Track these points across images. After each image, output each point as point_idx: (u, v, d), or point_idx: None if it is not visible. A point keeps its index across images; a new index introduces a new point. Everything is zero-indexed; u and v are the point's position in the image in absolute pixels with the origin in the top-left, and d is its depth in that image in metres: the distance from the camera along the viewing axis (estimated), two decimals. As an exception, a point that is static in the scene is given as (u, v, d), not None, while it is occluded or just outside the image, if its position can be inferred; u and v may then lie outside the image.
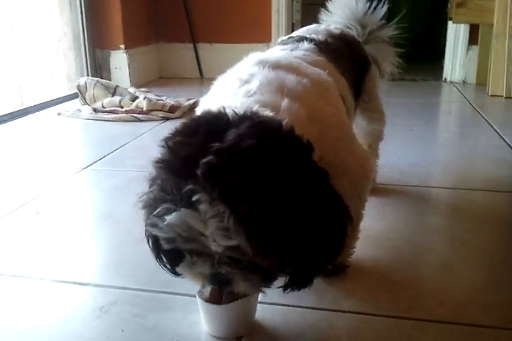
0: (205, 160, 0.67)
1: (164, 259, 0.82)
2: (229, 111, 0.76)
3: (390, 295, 0.98)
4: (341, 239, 0.78)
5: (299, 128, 0.77)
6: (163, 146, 0.74)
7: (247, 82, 0.90)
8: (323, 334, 0.87)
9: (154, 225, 0.71)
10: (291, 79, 0.92)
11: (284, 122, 0.77)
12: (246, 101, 0.84)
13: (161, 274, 1.00)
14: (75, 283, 1.03)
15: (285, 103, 0.85)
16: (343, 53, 1.23)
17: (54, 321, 0.91)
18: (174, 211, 0.68)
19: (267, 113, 0.80)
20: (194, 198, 0.67)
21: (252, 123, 0.73)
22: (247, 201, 0.67)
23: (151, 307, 0.95)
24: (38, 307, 0.96)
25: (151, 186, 0.75)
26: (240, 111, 0.77)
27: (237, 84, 0.90)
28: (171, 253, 0.78)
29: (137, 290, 1.00)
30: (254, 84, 0.88)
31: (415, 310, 0.93)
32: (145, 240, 0.80)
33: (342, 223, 0.78)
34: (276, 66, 0.94)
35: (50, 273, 1.07)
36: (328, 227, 0.75)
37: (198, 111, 0.93)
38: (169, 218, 0.68)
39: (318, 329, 0.89)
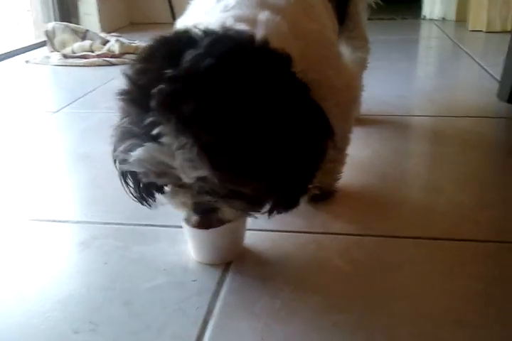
0: (156, 89, 0.62)
1: (139, 192, 0.79)
2: (192, 29, 0.69)
3: (380, 216, 0.96)
4: (322, 153, 0.74)
5: (280, 43, 0.71)
6: (125, 74, 0.68)
7: None
8: (313, 255, 0.85)
9: (124, 161, 0.68)
10: None
11: (259, 35, 0.71)
12: (222, 17, 0.78)
13: (143, 208, 0.96)
14: (54, 220, 0.99)
15: (263, 16, 0.79)
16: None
17: (35, 258, 0.87)
18: (139, 146, 0.64)
19: (241, 27, 0.74)
20: (155, 131, 0.62)
21: (214, 39, 0.67)
22: (207, 127, 0.62)
23: (134, 240, 0.91)
24: (18, 246, 0.92)
25: (120, 117, 0.70)
26: (211, 27, 0.71)
27: (215, 0, 0.84)
28: (146, 185, 0.75)
29: (119, 224, 0.96)
30: None
31: (407, 229, 0.91)
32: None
33: (321, 136, 0.73)
34: None
35: (29, 212, 1.02)
36: (306, 141, 0.70)
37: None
38: (135, 153, 0.65)
39: (308, 251, 0.86)
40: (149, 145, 0.64)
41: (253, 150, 0.64)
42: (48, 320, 0.72)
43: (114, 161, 0.75)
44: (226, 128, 0.62)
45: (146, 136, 0.64)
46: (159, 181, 0.70)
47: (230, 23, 0.75)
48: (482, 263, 0.82)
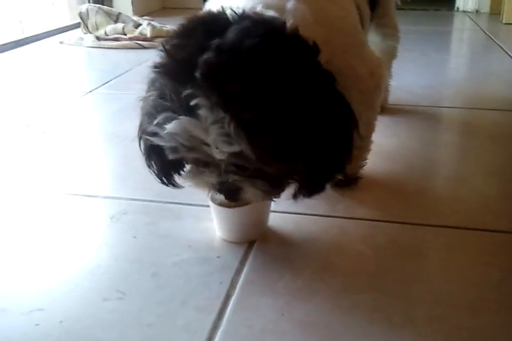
0: (203, 58, 0.63)
1: (161, 171, 0.81)
2: (228, 11, 0.71)
3: (404, 203, 0.97)
4: (349, 142, 0.75)
5: (304, 32, 0.72)
6: (161, 50, 0.70)
7: None
8: (336, 239, 0.87)
9: (155, 134, 0.68)
10: None
11: (289, 23, 0.72)
12: (249, 2, 0.79)
13: (171, 187, 0.99)
14: (84, 195, 1.02)
15: (290, 4, 0.80)
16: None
17: (68, 230, 0.91)
18: (174, 119, 0.65)
19: (271, 13, 0.76)
20: (193, 103, 0.63)
21: (254, 21, 0.69)
22: (248, 105, 0.63)
23: (161, 216, 0.94)
24: (52, 218, 0.95)
25: (148, 90, 0.72)
26: (241, 10, 0.72)
27: None
28: (170, 163, 0.76)
29: (147, 200, 0.99)
30: None
31: (429, 217, 0.92)
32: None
33: (349, 126, 0.75)
34: None
35: (63, 187, 1.06)
36: (334, 130, 0.72)
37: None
38: (169, 127, 0.65)
39: (331, 235, 0.88)
40: (184, 118, 0.64)
41: (286, 132, 0.66)
42: (78, 288, 0.76)
43: (140, 137, 0.77)
44: (264, 107, 0.64)
45: (181, 108, 0.64)
46: (188, 155, 0.70)
47: (259, 9, 0.76)
48: (501, 253, 0.83)
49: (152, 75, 0.71)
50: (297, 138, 0.68)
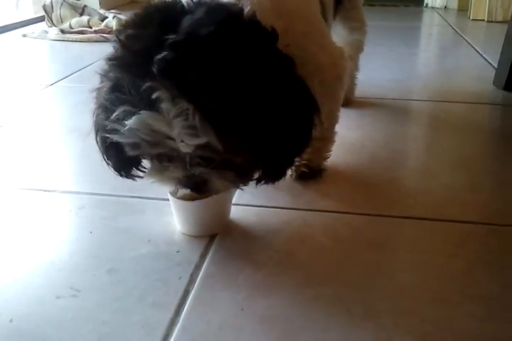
0: (159, 56, 0.61)
1: (117, 165, 0.78)
2: None
3: (367, 195, 0.96)
4: (309, 126, 0.74)
5: (263, 19, 0.70)
6: (114, 40, 0.67)
7: None
8: (298, 231, 0.85)
9: (114, 131, 0.65)
10: None
11: (246, 9, 0.70)
12: None
13: (131, 180, 0.97)
14: (41, 190, 0.99)
15: None
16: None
17: (22, 225, 0.88)
18: (134, 113, 0.62)
19: (227, 1, 0.74)
20: (154, 96, 0.61)
21: (209, 8, 0.67)
22: (210, 95, 0.61)
23: (121, 211, 0.91)
24: (6, 213, 0.92)
25: (101, 81, 0.69)
26: None
27: None
28: (128, 158, 0.73)
29: (106, 195, 0.96)
30: None
31: (393, 209, 0.91)
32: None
33: (308, 110, 0.74)
34: None
35: (18, 181, 1.02)
36: (295, 115, 0.71)
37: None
38: (130, 122, 0.62)
39: (293, 227, 0.86)
40: (146, 112, 0.62)
41: (249, 120, 0.64)
42: (30, 285, 0.73)
43: (96, 131, 0.74)
44: (226, 95, 0.62)
45: (141, 102, 0.62)
46: (151, 151, 0.68)
47: None
48: (466, 244, 0.82)
49: (106, 66, 0.68)
50: (261, 125, 0.66)
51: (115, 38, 0.67)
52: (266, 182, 0.76)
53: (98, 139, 0.74)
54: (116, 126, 0.65)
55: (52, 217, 0.90)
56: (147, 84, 0.61)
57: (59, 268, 0.76)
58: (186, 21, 0.64)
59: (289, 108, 0.69)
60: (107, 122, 0.66)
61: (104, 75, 0.68)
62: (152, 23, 0.66)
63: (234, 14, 0.68)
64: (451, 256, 0.79)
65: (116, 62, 0.66)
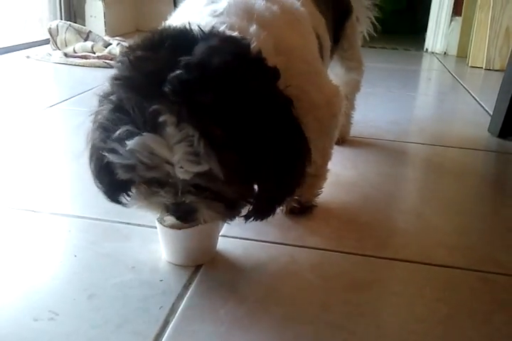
0: (173, 74, 0.61)
1: (106, 187, 0.77)
2: (194, 27, 0.70)
3: (356, 234, 0.95)
4: (302, 168, 0.75)
5: (265, 56, 0.72)
6: (120, 61, 0.67)
7: (213, 1, 0.84)
8: (285, 267, 0.84)
9: (113, 150, 0.64)
10: (260, 4, 0.85)
11: (253, 45, 0.71)
12: (211, 21, 0.78)
13: (119, 205, 0.96)
14: (29, 210, 0.98)
15: (253, 29, 0.79)
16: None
17: (5, 245, 0.87)
18: (136, 134, 0.61)
19: (235, 34, 0.75)
20: (160, 120, 0.60)
21: (221, 39, 0.68)
22: (218, 122, 0.61)
23: (107, 235, 0.90)
24: (-13, 230, 0.91)
25: (101, 103, 0.68)
26: (207, 28, 0.71)
27: (204, 3, 0.84)
28: (119, 182, 0.72)
29: (93, 219, 0.96)
30: (222, 5, 0.82)
31: (382, 250, 0.91)
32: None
33: (302, 152, 0.75)
34: None
35: (5, 200, 1.01)
36: (289, 155, 0.72)
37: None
38: (130, 143, 0.61)
39: (280, 262, 0.86)
40: (148, 134, 0.61)
41: (251, 152, 0.65)
42: (8, 307, 0.71)
43: (91, 153, 0.73)
44: (234, 125, 0.62)
45: (145, 124, 0.61)
46: (146, 174, 0.67)
47: (222, 29, 0.75)
48: (451, 289, 0.82)
49: (108, 88, 0.68)
50: (260, 159, 0.67)
51: (122, 58, 0.67)
52: (255, 219, 0.76)
53: (92, 161, 0.74)
54: (115, 145, 0.64)
55: (38, 239, 0.89)
56: (154, 107, 0.60)
57: (39, 290, 0.75)
58: (200, 47, 0.65)
59: (282, 148, 0.70)
60: (106, 141, 0.65)
61: (104, 98, 0.68)
62: (164, 46, 0.66)
63: (243, 48, 0.70)
64: (436, 300, 0.79)
65: (122, 82, 0.65)
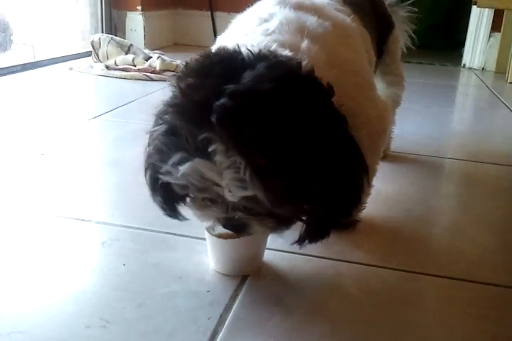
0: (219, 103, 0.62)
1: (167, 203, 0.79)
2: (244, 50, 0.71)
3: (401, 250, 0.95)
4: (359, 189, 0.75)
5: (318, 72, 0.72)
6: (175, 87, 0.69)
7: (266, 20, 0.86)
8: (330, 281, 0.85)
9: (168, 173, 0.68)
10: (312, 20, 0.87)
11: (304, 63, 0.72)
12: (264, 40, 0.79)
13: (164, 216, 0.98)
14: (77, 219, 1.00)
15: (305, 44, 0.81)
16: (368, 8, 1.19)
17: (56, 253, 0.89)
18: (188, 160, 0.64)
19: (286, 53, 0.76)
20: (210, 149, 0.63)
21: (269, 64, 0.68)
22: (263, 152, 0.63)
23: (154, 246, 0.92)
24: (41, 240, 0.93)
25: (157, 123, 0.70)
26: (256, 49, 0.72)
27: (256, 22, 0.86)
28: (176, 196, 0.75)
29: (140, 229, 0.97)
30: (274, 23, 0.84)
31: (426, 266, 0.90)
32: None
33: (360, 172, 0.74)
34: (298, 6, 0.90)
35: (54, 208, 1.04)
36: (346, 176, 0.72)
37: (213, 49, 0.89)
38: (183, 168, 0.65)
39: (325, 276, 0.86)
40: (198, 160, 0.64)
41: (300, 177, 0.66)
42: (61, 313, 0.73)
43: (146, 169, 0.75)
44: (280, 153, 0.63)
45: (196, 151, 0.64)
46: (197, 195, 0.70)
47: (274, 48, 0.76)
48: (498, 308, 0.81)
49: (163, 111, 0.70)
50: (310, 183, 0.67)
51: (175, 84, 0.69)
52: (309, 241, 0.76)
53: (148, 177, 0.76)
54: (170, 169, 0.67)
55: (86, 247, 0.91)
56: (204, 135, 0.63)
57: (90, 297, 0.77)
58: (247, 76, 0.65)
59: (338, 168, 0.70)
60: (162, 164, 0.68)
61: (160, 118, 0.70)
62: (213, 73, 0.67)
63: (292, 70, 0.69)
64: (483, 318, 0.78)
65: (175, 109, 0.67)
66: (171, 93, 0.70)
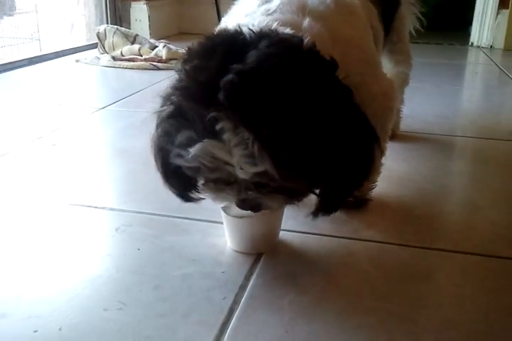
0: (226, 79, 0.63)
1: (179, 187, 0.79)
2: (245, 30, 0.71)
3: (414, 227, 0.95)
4: (370, 159, 0.75)
5: (321, 48, 0.72)
6: (180, 70, 0.70)
7: (267, 1, 0.86)
8: (343, 259, 0.85)
9: (178, 155, 0.68)
10: None
11: (306, 39, 0.72)
12: (265, 19, 0.80)
13: (177, 201, 0.98)
14: (90, 206, 1.01)
15: (306, 22, 0.81)
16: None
17: (71, 240, 0.90)
18: (197, 141, 0.65)
19: (287, 31, 0.76)
20: (217, 127, 0.63)
21: (271, 42, 0.69)
22: (271, 125, 0.63)
23: (167, 230, 0.93)
24: (56, 227, 0.94)
25: (164, 104, 0.71)
26: (258, 29, 0.72)
27: (257, 3, 0.86)
28: (188, 179, 0.75)
29: (153, 214, 0.98)
30: (275, 3, 0.84)
31: (440, 242, 0.90)
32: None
33: (370, 142, 0.74)
34: None
35: (67, 197, 1.05)
36: (355, 146, 0.72)
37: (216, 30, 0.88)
38: (193, 149, 0.65)
39: (337, 254, 0.86)
40: (209, 141, 0.64)
41: (309, 150, 0.66)
42: (78, 297, 0.74)
43: (156, 152, 0.76)
44: (288, 127, 0.64)
45: (204, 131, 0.64)
46: (209, 176, 0.70)
47: (275, 26, 0.76)
48: (513, 280, 0.81)
49: (169, 92, 0.70)
50: (319, 155, 0.67)
51: (181, 67, 0.69)
52: (323, 214, 0.77)
53: (159, 162, 0.76)
54: (180, 151, 0.67)
55: (101, 233, 0.92)
56: (211, 114, 0.63)
57: (106, 281, 0.78)
58: (251, 55, 0.66)
59: (348, 138, 0.70)
60: (170, 147, 0.69)
61: (166, 99, 0.70)
62: (217, 54, 0.67)
63: (294, 46, 0.70)
64: (497, 291, 0.78)
65: (181, 91, 0.68)
66: (177, 76, 0.70)
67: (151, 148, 0.76)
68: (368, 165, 0.75)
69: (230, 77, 0.63)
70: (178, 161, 0.69)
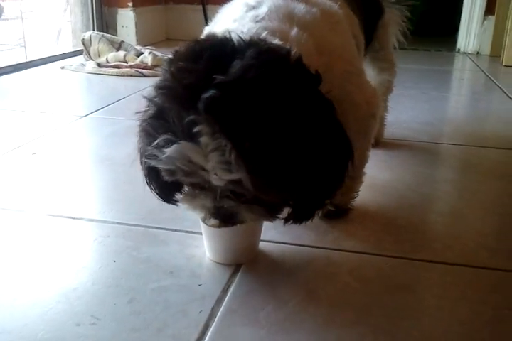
0: (206, 94, 0.62)
1: (158, 188, 0.79)
2: (234, 36, 0.71)
3: (395, 237, 0.94)
4: (343, 171, 0.75)
5: (307, 60, 0.72)
6: (165, 70, 0.69)
7: (254, 7, 0.85)
8: (323, 270, 0.84)
9: (153, 156, 0.68)
10: (300, 7, 0.87)
11: (293, 51, 0.72)
12: (253, 27, 0.79)
13: (157, 211, 0.97)
14: (68, 217, 1.00)
15: (294, 32, 0.81)
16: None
17: (46, 252, 0.88)
18: (174, 142, 0.64)
19: (276, 41, 0.76)
20: (195, 130, 0.63)
21: (258, 52, 0.68)
22: (249, 135, 0.63)
23: (145, 241, 0.91)
24: (32, 238, 0.92)
25: (148, 106, 0.71)
26: (247, 36, 0.72)
27: (243, 9, 0.86)
28: (170, 183, 0.74)
29: (131, 225, 0.96)
30: (262, 10, 0.84)
31: (421, 252, 0.90)
32: (142, 179, 0.78)
33: (344, 156, 0.74)
34: None
35: (45, 207, 1.03)
36: (330, 160, 0.72)
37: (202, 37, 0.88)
38: (168, 150, 0.65)
39: (318, 265, 0.85)
40: (185, 143, 0.64)
41: (285, 161, 0.65)
42: (51, 311, 0.72)
43: (141, 155, 0.75)
44: (265, 137, 0.63)
45: (182, 133, 0.64)
46: (185, 180, 0.70)
47: (264, 35, 0.76)
48: (495, 292, 0.80)
49: (153, 93, 0.70)
50: (294, 168, 0.67)
51: (165, 67, 0.69)
52: (294, 222, 0.77)
53: (142, 164, 0.76)
54: (156, 152, 0.67)
55: (78, 245, 0.90)
56: (191, 117, 0.63)
57: (80, 295, 0.76)
58: (236, 64, 0.65)
59: (324, 152, 0.70)
60: (148, 147, 0.68)
61: (150, 100, 0.70)
62: (204, 57, 0.67)
63: (281, 58, 0.70)
64: (479, 302, 0.77)
65: (164, 91, 0.67)
66: (161, 77, 0.70)
67: (137, 150, 0.75)
68: (339, 178, 0.75)
69: (211, 90, 0.62)
70: (154, 162, 0.68)
